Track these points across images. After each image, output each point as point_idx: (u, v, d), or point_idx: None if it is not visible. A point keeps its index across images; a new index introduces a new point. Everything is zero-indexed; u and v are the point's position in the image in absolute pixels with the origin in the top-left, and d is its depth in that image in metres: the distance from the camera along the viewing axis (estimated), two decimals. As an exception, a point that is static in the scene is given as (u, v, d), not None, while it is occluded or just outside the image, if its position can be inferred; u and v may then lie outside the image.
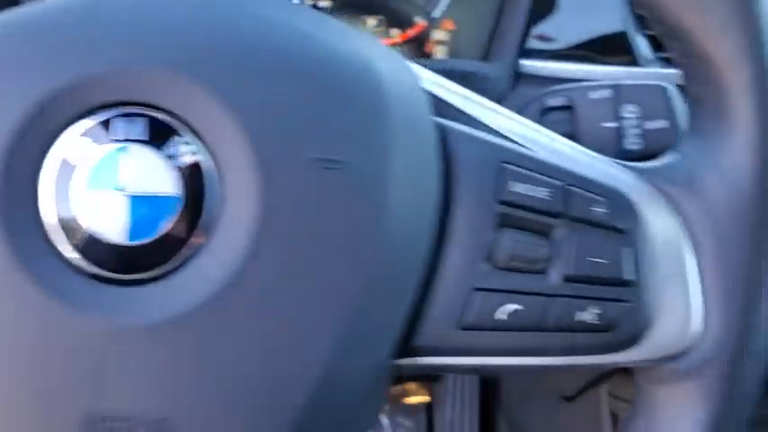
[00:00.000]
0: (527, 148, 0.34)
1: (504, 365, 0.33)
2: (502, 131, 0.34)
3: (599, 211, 0.32)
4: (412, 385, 1.27)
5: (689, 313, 0.33)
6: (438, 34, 0.68)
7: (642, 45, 0.64)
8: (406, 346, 0.31)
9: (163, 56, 0.27)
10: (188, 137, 0.27)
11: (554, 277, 0.32)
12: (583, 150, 0.35)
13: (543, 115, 0.47)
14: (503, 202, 0.31)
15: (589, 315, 0.32)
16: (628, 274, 0.32)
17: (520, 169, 0.32)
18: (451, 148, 0.32)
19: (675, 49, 0.34)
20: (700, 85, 0.34)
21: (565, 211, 0.32)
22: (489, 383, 1.16)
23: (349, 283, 0.28)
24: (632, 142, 0.44)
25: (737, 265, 0.33)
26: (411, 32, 0.69)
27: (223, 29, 0.28)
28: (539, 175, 0.32)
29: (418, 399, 1.26)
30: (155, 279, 0.27)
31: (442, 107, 0.34)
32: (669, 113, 0.44)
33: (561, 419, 0.95)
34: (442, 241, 0.31)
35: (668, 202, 0.34)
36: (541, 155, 0.33)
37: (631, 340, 0.33)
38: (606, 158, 0.35)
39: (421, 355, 0.32)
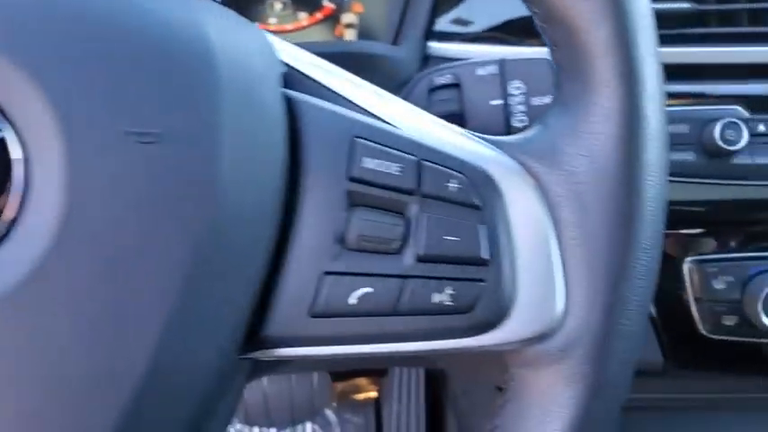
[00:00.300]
0: (385, 121, 0.32)
1: (362, 354, 0.31)
2: (361, 105, 0.33)
3: (454, 186, 0.31)
4: (362, 380, 1.26)
5: (552, 292, 0.32)
6: (347, 17, 0.66)
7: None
8: (256, 336, 0.29)
9: None
10: None
11: (408, 257, 0.30)
12: (443, 124, 0.34)
13: (431, 93, 0.45)
14: (353, 179, 0.30)
15: (445, 296, 0.30)
16: (484, 253, 0.31)
17: (372, 144, 0.30)
18: (301, 121, 0.30)
19: (536, 14, 0.33)
20: (561, 51, 0.32)
21: (418, 188, 0.31)
22: (436, 376, 1.16)
23: (176, 265, 0.26)
24: (519, 120, 0.43)
25: (600, 241, 0.31)
26: (319, 15, 0.67)
27: None
28: (392, 150, 0.31)
29: (366, 395, 1.25)
30: None
31: (300, 80, 0.32)
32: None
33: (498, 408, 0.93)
34: (289, 221, 0.29)
35: (530, 176, 0.32)
36: (398, 129, 0.32)
37: (491, 322, 0.31)
38: (467, 132, 0.34)
39: (272, 347, 0.30)
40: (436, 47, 0.63)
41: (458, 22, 0.67)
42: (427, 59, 0.62)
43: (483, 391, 1.00)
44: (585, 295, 0.31)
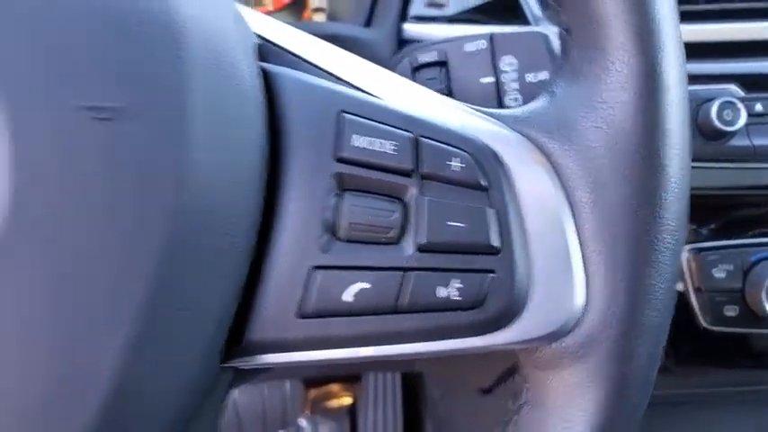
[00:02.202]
0: (372, 95, 0.29)
1: (358, 358, 0.28)
2: (343, 77, 0.29)
3: (456, 165, 0.28)
4: (335, 387, 1.23)
5: (571, 283, 0.28)
6: (315, 1, 0.62)
7: (532, 5, 0.59)
8: (239, 342, 0.26)
9: None
10: None
11: (408, 247, 0.27)
12: (437, 96, 0.30)
13: (415, 73, 0.42)
14: (342, 160, 0.27)
15: (451, 290, 0.27)
16: (494, 239, 0.27)
17: (361, 119, 0.27)
18: (281, 96, 0.27)
19: None
20: (569, 12, 0.29)
21: (416, 168, 0.27)
22: (412, 381, 1.13)
23: (141, 266, 0.22)
24: (512, 98, 0.39)
25: (622, 222, 0.28)
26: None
27: None
28: (384, 126, 0.27)
29: (340, 402, 1.22)
30: None
31: (274, 52, 0.29)
32: (551, 63, 0.39)
33: (480, 412, 0.91)
34: (271, 210, 0.26)
35: (540, 152, 0.29)
36: (388, 103, 0.28)
37: (504, 318, 0.28)
38: (465, 104, 0.30)
39: (257, 353, 0.27)
40: (411, 29, 0.60)
41: (432, 5, 0.64)
42: (402, 43, 0.59)
43: (463, 395, 0.98)
44: (607, 284, 0.28)
